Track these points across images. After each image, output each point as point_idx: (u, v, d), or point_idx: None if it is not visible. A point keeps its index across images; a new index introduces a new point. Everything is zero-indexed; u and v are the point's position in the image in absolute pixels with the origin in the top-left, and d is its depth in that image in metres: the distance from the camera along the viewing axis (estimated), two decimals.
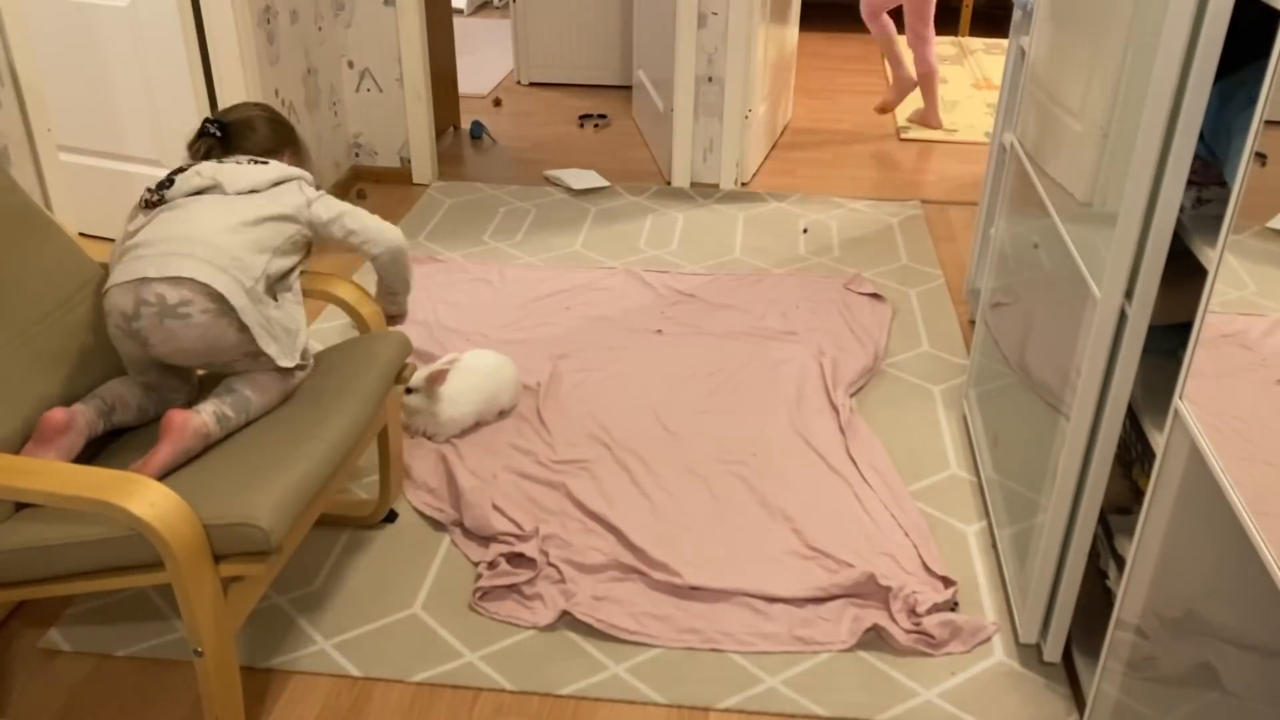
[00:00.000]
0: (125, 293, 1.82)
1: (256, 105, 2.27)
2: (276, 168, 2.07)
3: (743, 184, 4.22)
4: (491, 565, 2.12)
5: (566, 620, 2.03)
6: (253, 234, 1.93)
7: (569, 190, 4.13)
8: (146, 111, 3.27)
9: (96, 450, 1.90)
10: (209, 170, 1.99)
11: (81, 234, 2.12)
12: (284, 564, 1.78)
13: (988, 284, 2.52)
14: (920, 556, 2.16)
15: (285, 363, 1.93)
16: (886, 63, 5.08)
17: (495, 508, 2.26)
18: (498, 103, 5.23)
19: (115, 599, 2.08)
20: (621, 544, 2.19)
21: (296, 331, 1.98)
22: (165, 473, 1.74)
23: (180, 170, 2.01)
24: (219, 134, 2.11)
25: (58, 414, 1.77)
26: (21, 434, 1.80)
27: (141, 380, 1.95)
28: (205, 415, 1.81)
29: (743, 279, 3.38)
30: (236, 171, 2.01)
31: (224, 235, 1.89)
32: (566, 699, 1.88)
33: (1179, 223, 1.50)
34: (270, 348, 1.89)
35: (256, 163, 2.07)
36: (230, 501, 1.63)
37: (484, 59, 5.88)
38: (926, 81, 4.76)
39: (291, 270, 2.02)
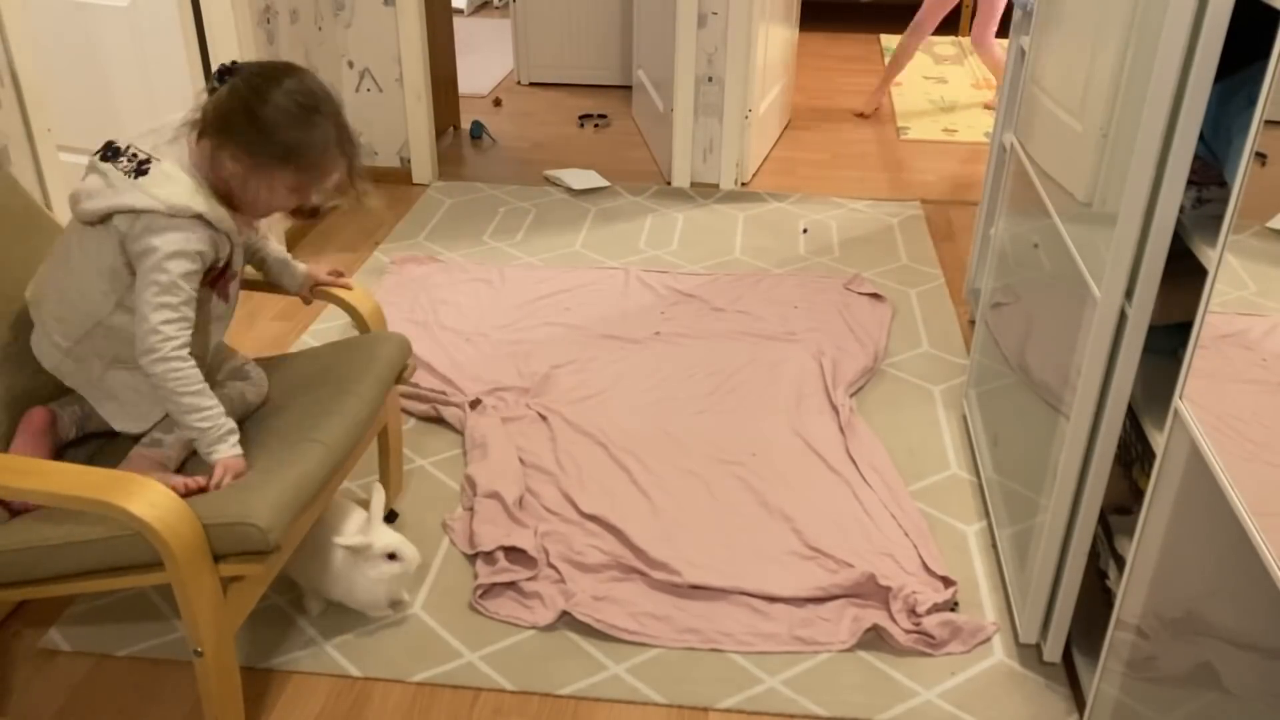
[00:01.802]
0: None
1: (291, 71, 1.66)
2: (125, 189, 1.56)
3: (743, 184, 4.22)
4: (489, 559, 2.13)
5: (566, 620, 2.03)
6: (83, 280, 1.61)
7: (569, 190, 4.13)
8: (147, 112, 3.27)
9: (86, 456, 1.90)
10: (102, 170, 1.59)
11: None
12: (284, 564, 1.78)
13: (988, 284, 2.52)
14: (920, 556, 2.16)
15: (128, 427, 1.68)
16: (888, 70, 5.08)
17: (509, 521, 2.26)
18: (498, 103, 5.23)
19: (115, 599, 2.08)
20: (621, 543, 2.19)
21: (154, 401, 1.71)
22: None
23: (115, 150, 1.61)
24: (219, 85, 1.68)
25: (41, 412, 1.78)
26: None
27: None
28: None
29: (742, 279, 3.38)
30: (98, 186, 1.58)
31: (58, 280, 1.66)
32: (566, 699, 1.88)
33: (1179, 223, 1.50)
34: (105, 407, 1.69)
35: (140, 167, 1.58)
36: (229, 501, 1.63)
37: (484, 59, 5.88)
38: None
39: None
